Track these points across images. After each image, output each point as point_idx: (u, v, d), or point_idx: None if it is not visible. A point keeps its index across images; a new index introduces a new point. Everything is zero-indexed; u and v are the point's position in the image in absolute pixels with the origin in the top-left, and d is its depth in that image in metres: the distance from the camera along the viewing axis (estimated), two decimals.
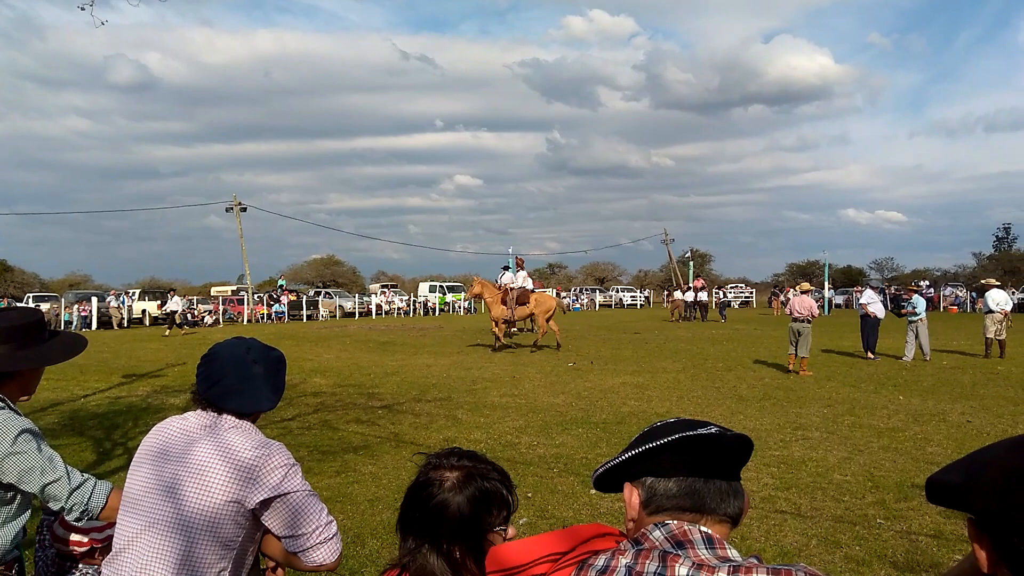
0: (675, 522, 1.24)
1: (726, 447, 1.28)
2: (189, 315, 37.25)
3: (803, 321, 14.86)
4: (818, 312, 15.67)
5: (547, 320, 20.20)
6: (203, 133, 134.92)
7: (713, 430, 1.28)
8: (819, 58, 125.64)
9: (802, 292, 15.96)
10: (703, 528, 1.23)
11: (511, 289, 20.35)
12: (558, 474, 7.05)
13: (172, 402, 11.29)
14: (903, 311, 17.39)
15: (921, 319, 16.79)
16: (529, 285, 24.32)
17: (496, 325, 20.46)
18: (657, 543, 1.22)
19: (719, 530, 1.25)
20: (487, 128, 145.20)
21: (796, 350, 14.76)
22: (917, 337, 16.73)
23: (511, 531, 1.66)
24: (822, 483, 6.70)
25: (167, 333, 28.86)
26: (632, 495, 1.31)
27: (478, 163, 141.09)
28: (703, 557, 1.17)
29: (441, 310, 49.11)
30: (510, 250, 40.72)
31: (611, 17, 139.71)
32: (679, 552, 1.19)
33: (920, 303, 17.15)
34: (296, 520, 2.04)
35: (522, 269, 21.20)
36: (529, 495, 6.26)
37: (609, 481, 1.38)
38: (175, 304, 31.35)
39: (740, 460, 1.31)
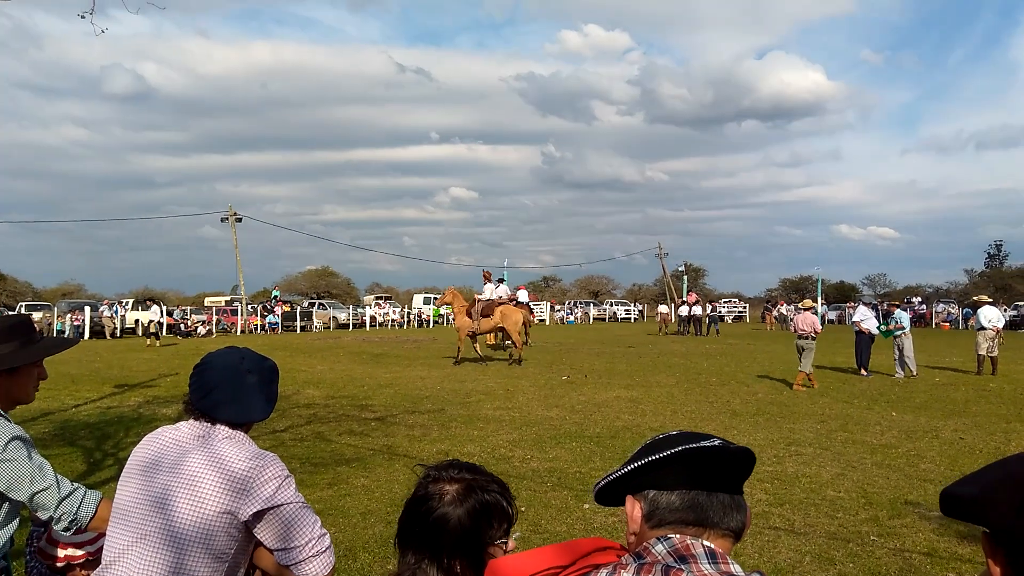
0: (678, 536, 1.22)
1: (729, 460, 1.26)
2: (183, 325, 37.10)
3: (807, 337, 15.16)
4: (820, 328, 15.91)
5: (518, 332, 20.32)
6: (199, 143, 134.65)
7: (716, 443, 1.27)
8: (812, 74, 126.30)
9: (805, 309, 16.36)
10: (706, 542, 1.21)
11: (477, 300, 20.49)
12: (551, 488, 7.01)
13: (164, 412, 11.21)
14: (889, 327, 17.44)
15: (905, 333, 16.82)
16: (523, 297, 24.33)
17: (461, 336, 20.58)
18: (660, 557, 1.20)
19: (722, 544, 1.23)
20: (483, 141, 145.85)
21: (800, 365, 15.03)
22: (902, 352, 16.75)
23: (512, 544, 1.64)
24: (815, 499, 6.67)
25: (158, 344, 28.28)
26: (634, 508, 1.29)
27: (473, 176, 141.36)
28: (706, 572, 1.16)
29: (435, 322, 49.03)
30: (504, 263, 40.85)
31: (606, 32, 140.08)
32: (682, 567, 1.17)
33: (904, 318, 17.22)
34: (289, 532, 2.01)
35: (489, 282, 21.33)
36: (522, 509, 6.22)
37: (611, 494, 1.36)
38: (153, 314, 30.32)
39: (743, 473, 1.29)
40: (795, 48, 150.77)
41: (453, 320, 21.12)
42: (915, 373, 16.60)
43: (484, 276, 21.69)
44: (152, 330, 29.58)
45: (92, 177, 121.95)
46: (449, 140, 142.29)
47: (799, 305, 16.56)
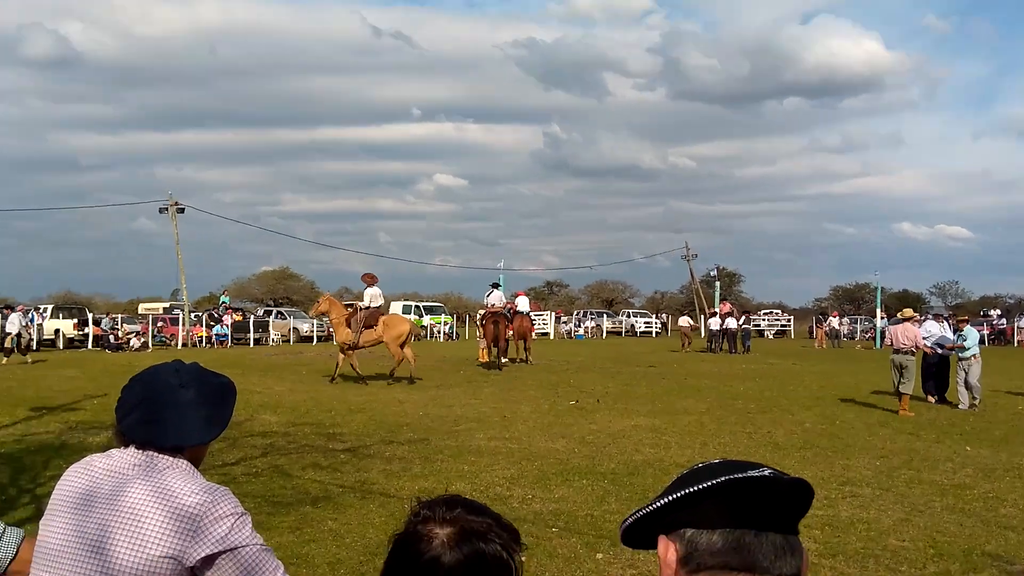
0: None
1: (781, 493, 1.26)
2: (112, 336, 37.05)
3: (906, 353, 15.33)
4: (923, 343, 15.90)
5: (400, 346, 20.50)
6: (134, 119, 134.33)
7: (766, 472, 1.26)
8: (867, 43, 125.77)
9: (904, 319, 16.30)
10: None
11: (359, 309, 20.66)
12: (557, 534, 7.02)
13: (92, 440, 11.19)
14: (949, 347, 17.01)
15: (974, 356, 16.25)
16: (523, 306, 24.32)
17: (342, 351, 20.74)
18: None
19: None
20: (473, 119, 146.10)
21: (900, 387, 15.21)
22: (967, 375, 16.21)
23: None
24: (875, 549, 6.69)
25: (5, 361, 26.89)
26: (668, 550, 1.29)
27: (463, 160, 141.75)
28: None
29: (417, 336, 49.03)
30: (500, 264, 40.87)
31: None
32: None
33: (972, 336, 16.74)
34: None
35: (372, 286, 21.22)
36: (523, 559, 6.21)
37: (640, 534, 1.36)
38: (13, 324, 28.62)
39: (798, 510, 1.29)
40: (847, 11, 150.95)
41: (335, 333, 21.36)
42: (977, 402, 16.10)
43: (366, 280, 21.54)
44: (8, 344, 28.24)
45: (3, 157, 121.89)
46: (433, 118, 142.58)
47: (899, 315, 16.57)
